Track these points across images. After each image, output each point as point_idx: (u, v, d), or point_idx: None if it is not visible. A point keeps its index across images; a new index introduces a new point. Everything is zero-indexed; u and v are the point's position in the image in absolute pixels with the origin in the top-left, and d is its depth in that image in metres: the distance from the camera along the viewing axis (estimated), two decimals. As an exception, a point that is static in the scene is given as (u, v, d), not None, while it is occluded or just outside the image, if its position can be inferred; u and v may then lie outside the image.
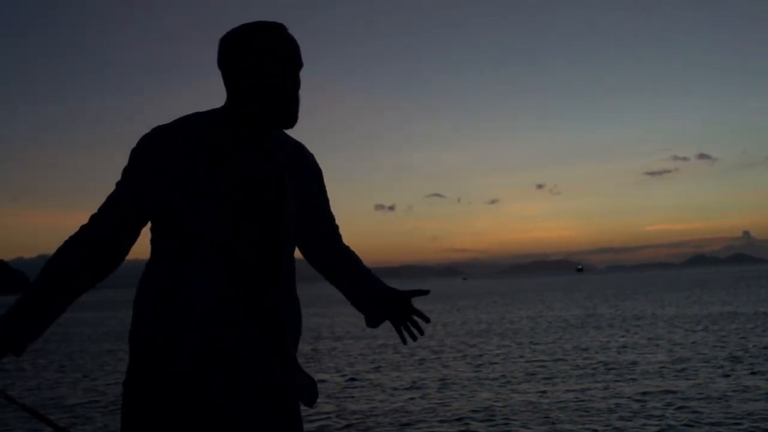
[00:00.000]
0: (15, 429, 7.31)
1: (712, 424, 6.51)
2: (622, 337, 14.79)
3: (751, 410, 6.93)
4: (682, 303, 26.65)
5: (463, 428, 6.80)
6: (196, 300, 1.71)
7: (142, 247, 1.91)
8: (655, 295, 34.32)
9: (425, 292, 2.03)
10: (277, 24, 1.79)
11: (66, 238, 1.72)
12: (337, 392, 9.13)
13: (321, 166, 2.02)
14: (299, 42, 1.82)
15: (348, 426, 7.10)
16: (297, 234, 1.90)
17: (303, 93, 1.86)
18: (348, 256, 2.07)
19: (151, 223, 1.79)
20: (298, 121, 1.81)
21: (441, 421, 7.10)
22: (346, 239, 2.12)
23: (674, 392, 8.08)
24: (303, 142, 1.99)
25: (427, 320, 2.03)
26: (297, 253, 1.97)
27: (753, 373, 9.16)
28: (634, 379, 9.12)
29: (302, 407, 1.88)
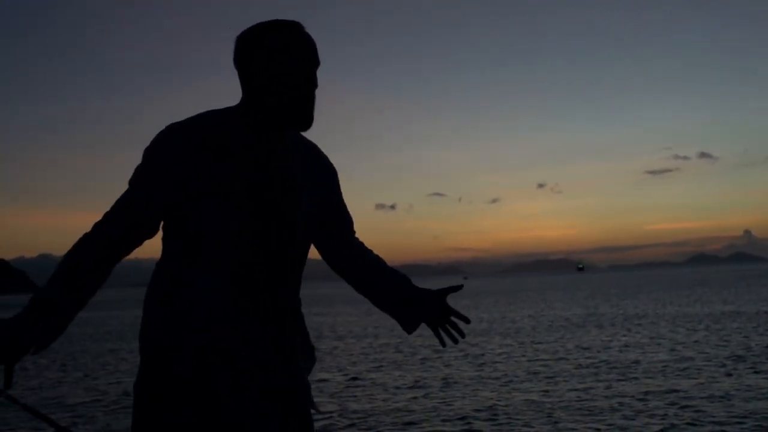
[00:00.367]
0: (16, 429, 7.31)
1: (715, 423, 6.49)
2: (624, 336, 14.78)
3: (754, 409, 6.91)
4: (683, 302, 26.63)
5: (466, 427, 6.79)
6: (198, 301, 1.70)
7: (142, 247, 1.89)
8: (657, 294, 34.28)
9: (459, 288, 1.96)
10: (292, 22, 1.76)
11: (67, 237, 1.75)
12: (339, 391, 9.12)
13: None
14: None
15: (350, 425, 7.09)
16: (311, 235, 1.88)
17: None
18: (365, 257, 2.00)
19: (163, 222, 1.78)
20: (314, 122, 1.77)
21: (443, 421, 7.09)
22: None
23: (677, 391, 8.07)
24: None
25: (467, 321, 1.95)
26: (314, 254, 1.93)
27: (756, 372, 9.15)
28: (636, 378, 9.11)
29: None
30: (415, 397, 8.45)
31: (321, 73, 1.79)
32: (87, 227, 1.74)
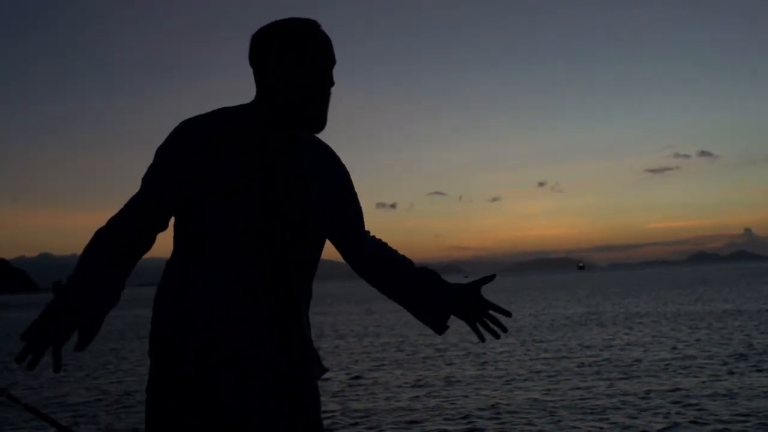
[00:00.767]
0: (17, 428, 7.30)
1: (718, 421, 6.48)
2: (626, 334, 14.77)
3: (757, 407, 6.90)
4: (684, 300, 26.62)
5: (468, 426, 6.78)
6: (201, 300, 1.70)
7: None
8: (658, 293, 34.28)
9: (492, 278, 1.90)
10: (307, 21, 1.74)
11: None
12: (341, 391, 9.10)
13: None
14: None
15: (352, 424, 7.08)
16: (324, 235, 1.86)
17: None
18: (383, 256, 1.97)
19: (174, 220, 1.78)
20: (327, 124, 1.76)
21: (445, 420, 7.08)
22: None
23: (679, 389, 8.06)
24: None
25: (508, 315, 1.88)
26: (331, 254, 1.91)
27: (758, 370, 9.14)
28: (638, 377, 9.10)
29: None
30: (417, 396, 8.44)
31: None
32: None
